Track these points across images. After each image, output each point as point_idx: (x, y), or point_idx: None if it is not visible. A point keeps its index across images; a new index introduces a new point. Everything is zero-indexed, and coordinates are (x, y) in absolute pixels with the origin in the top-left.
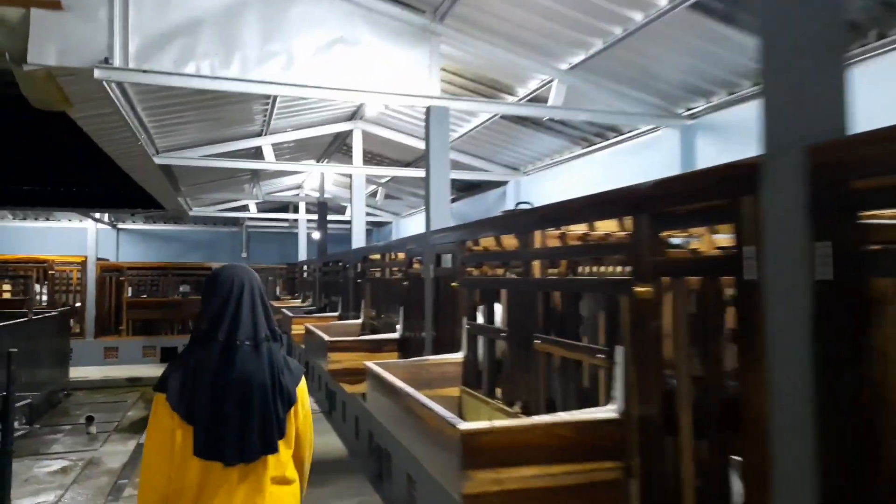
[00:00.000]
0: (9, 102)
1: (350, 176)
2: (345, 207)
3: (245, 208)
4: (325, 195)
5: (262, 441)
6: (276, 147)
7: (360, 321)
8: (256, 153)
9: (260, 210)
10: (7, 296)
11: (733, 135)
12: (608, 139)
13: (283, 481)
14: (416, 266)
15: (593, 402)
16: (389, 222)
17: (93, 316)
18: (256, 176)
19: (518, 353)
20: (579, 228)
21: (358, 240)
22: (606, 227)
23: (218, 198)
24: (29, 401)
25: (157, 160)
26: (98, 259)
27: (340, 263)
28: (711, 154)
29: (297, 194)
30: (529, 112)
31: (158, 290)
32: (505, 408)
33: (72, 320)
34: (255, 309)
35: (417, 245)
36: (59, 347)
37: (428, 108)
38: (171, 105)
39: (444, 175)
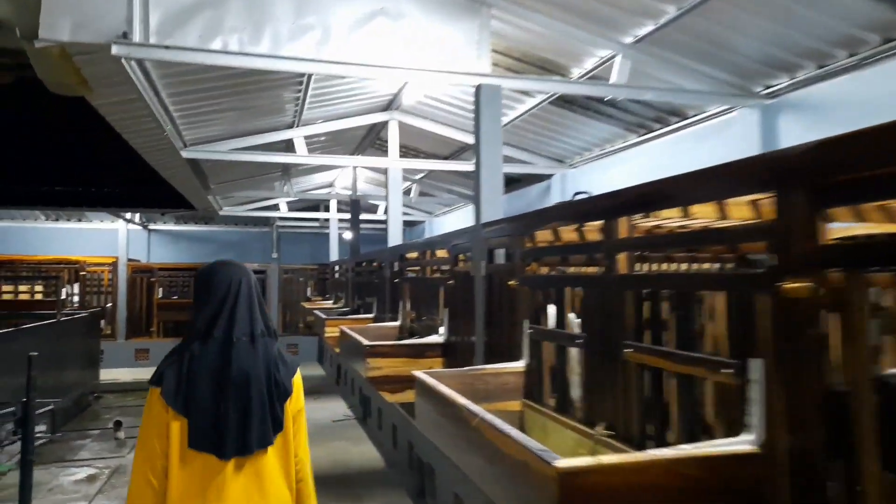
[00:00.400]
0: (38, 98)
1: (385, 171)
2: (376, 207)
3: (275, 207)
4: (358, 193)
5: (258, 434)
6: (308, 141)
7: (397, 324)
8: (287, 147)
9: (291, 209)
10: (39, 297)
11: (824, 116)
12: (669, 124)
13: (282, 475)
14: (462, 264)
15: (709, 429)
16: (422, 221)
17: (124, 317)
18: (287, 173)
19: (601, 364)
20: (671, 216)
21: (394, 237)
22: (703, 213)
23: (248, 196)
24: (51, 407)
25: (185, 154)
26: (129, 260)
27: (375, 263)
28: (796, 140)
29: (329, 192)
30: (591, 91)
31: (189, 291)
32: (583, 428)
33: (102, 322)
34: (251, 306)
35: (467, 240)
36: (88, 349)
37: (478, 88)
38: (198, 91)
39: (496, 162)
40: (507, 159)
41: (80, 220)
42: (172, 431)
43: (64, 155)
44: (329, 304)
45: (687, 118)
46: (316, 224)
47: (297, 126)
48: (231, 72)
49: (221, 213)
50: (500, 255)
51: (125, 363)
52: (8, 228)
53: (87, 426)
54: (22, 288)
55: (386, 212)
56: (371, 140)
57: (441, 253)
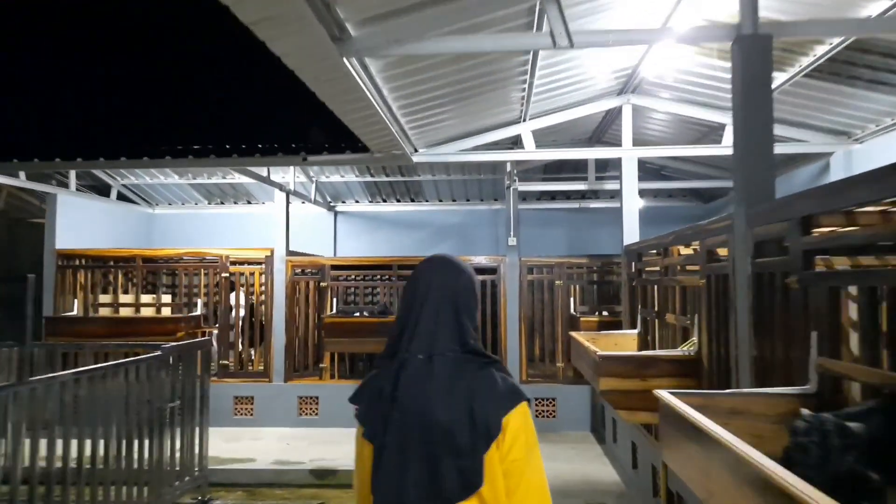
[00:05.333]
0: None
1: (619, 160)
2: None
3: (515, 142)
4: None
5: (450, 487)
6: (538, 133)
7: (635, 332)
8: (514, 143)
9: (536, 174)
10: (167, 311)
11: None
12: None
13: None
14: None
15: None
16: None
17: (281, 345)
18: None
19: None
20: None
21: (630, 233)
22: None
23: (464, 126)
24: None
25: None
26: (290, 253)
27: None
28: None
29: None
30: None
31: (379, 300)
32: None
33: (250, 352)
34: (439, 314)
35: (724, 230)
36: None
37: (737, 40)
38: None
39: (764, 132)
40: None
41: (248, 203)
42: (365, 456)
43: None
44: (594, 318)
45: None
46: (573, 205)
47: (525, 120)
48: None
49: (418, 157)
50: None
51: (284, 419)
52: (162, 217)
53: None
54: (145, 298)
55: (621, 206)
56: (602, 130)
57: (686, 250)
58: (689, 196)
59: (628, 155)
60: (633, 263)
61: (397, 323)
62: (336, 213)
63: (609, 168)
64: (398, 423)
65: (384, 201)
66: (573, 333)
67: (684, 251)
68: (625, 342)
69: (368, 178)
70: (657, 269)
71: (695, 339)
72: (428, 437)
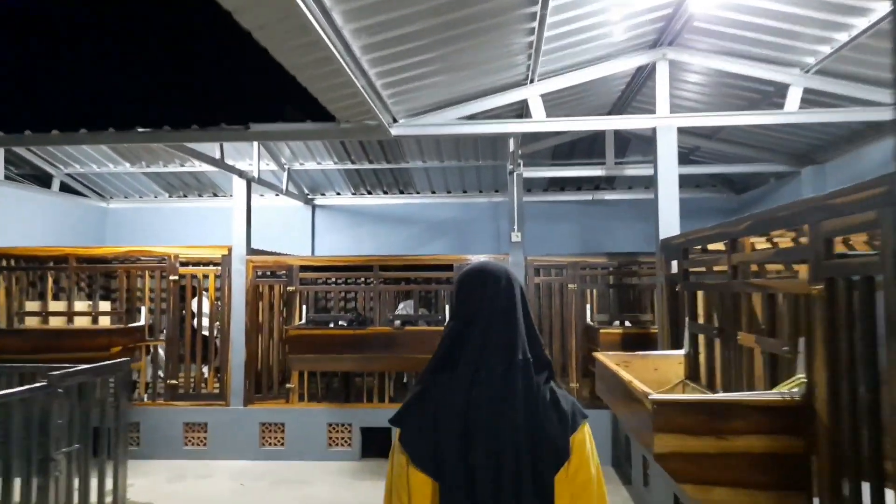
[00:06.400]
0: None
1: (653, 131)
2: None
3: (520, 109)
4: None
5: None
6: (546, 100)
7: (680, 353)
8: (519, 112)
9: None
10: (105, 321)
11: None
12: None
13: None
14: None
15: None
16: None
17: (241, 361)
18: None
19: None
20: None
21: (668, 225)
22: None
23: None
24: None
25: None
26: (252, 252)
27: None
28: None
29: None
30: None
31: (356, 307)
32: None
33: (203, 370)
34: (510, 324)
35: (866, 204)
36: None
37: None
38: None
39: None
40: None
41: (215, 196)
42: (415, 488)
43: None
44: (616, 330)
45: None
46: (585, 197)
47: (532, 83)
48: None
49: (397, 128)
50: None
51: (242, 450)
52: (117, 213)
53: None
54: (79, 306)
55: (655, 190)
56: (630, 95)
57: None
58: (720, 185)
59: (665, 124)
60: (676, 262)
61: (452, 329)
62: (314, 207)
63: (629, 152)
64: (485, 439)
65: (369, 193)
66: (600, 356)
67: (760, 246)
68: (667, 367)
69: (349, 166)
70: (721, 269)
71: (802, 375)
72: (505, 460)
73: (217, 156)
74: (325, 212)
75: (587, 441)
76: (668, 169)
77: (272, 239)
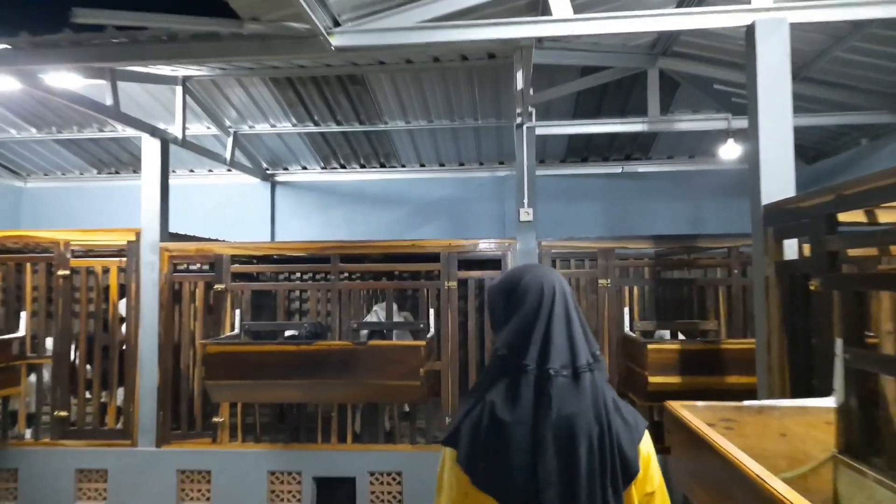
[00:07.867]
0: None
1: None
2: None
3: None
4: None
5: None
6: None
7: (830, 403)
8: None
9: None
10: None
11: None
12: None
13: None
14: None
15: None
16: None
17: (153, 385)
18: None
19: None
20: None
21: (774, 177)
22: None
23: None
24: None
25: None
26: (170, 238)
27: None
28: None
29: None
30: None
31: (309, 313)
32: None
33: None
34: (570, 324)
35: None
36: None
37: None
38: None
39: None
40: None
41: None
42: None
43: None
44: (672, 346)
45: None
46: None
47: None
48: None
49: (341, 36)
50: None
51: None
52: (35, 193)
53: None
54: None
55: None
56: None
57: None
58: None
59: (770, 17)
60: (796, 241)
61: (510, 334)
62: (274, 185)
63: (674, 106)
64: (557, 445)
65: (342, 167)
66: (680, 410)
67: None
68: (797, 427)
69: (312, 128)
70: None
71: None
72: (587, 458)
73: (108, 102)
74: (287, 190)
75: (651, 450)
76: (775, 86)
77: (222, 224)
